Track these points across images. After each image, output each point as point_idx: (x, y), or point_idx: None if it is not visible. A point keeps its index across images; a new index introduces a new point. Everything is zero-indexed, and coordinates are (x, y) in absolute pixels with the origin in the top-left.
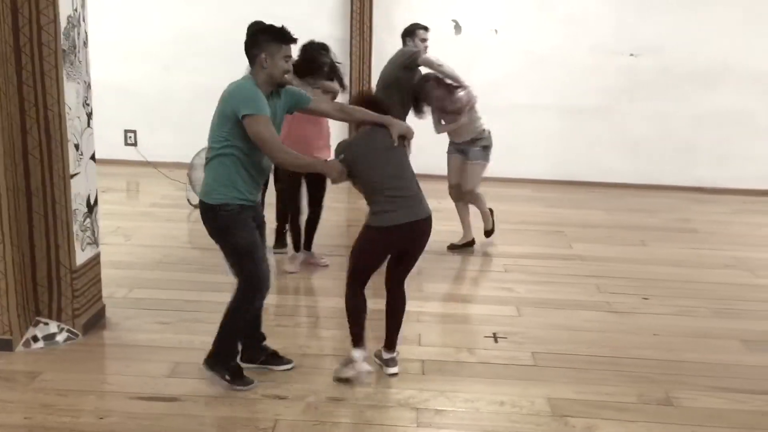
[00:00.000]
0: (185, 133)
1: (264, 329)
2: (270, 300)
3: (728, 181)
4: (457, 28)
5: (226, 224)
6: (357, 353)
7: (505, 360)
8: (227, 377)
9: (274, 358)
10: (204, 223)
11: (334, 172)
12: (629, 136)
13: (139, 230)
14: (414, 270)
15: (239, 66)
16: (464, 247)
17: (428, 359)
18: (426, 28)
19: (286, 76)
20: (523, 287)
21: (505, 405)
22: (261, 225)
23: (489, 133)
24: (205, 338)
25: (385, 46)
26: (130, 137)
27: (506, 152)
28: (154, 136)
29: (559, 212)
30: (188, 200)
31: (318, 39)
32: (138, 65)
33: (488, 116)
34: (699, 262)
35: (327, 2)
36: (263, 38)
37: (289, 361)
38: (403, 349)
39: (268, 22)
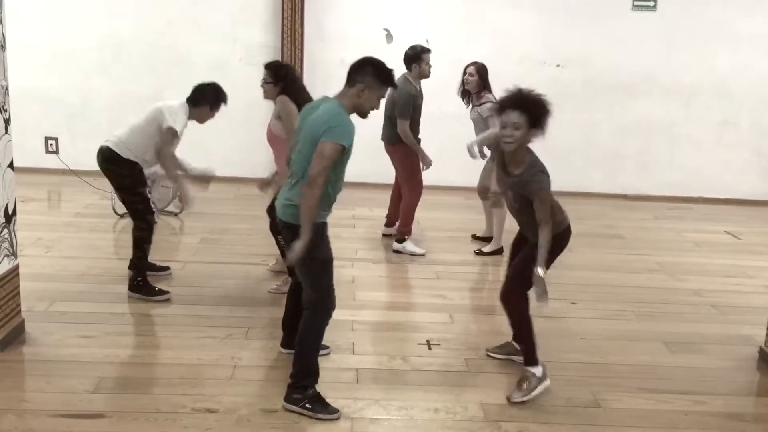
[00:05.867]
0: None
1: (194, 341)
2: (199, 311)
3: (651, 188)
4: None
5: (315, 241)
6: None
7: (438, 367)
8: (308, 406)
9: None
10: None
11: None
12: (557, 145)
13: (62, 241)
14: (348, 277)
15: (164, 73)
16: (492, 254)
17: (362, 368)
18: (429, 50)
19: None
20: (455, 294)
21: (439, 412)
22: None
23: None
24: (131, 351)
25: (317, 54)
26: (52, 144)
27: (438, 161)
28: (77, 143)
29: None
30: (114, 209)
31: (248, 47)
32: (60, 72)
33: (420, 125)
34: (624, 267)
35: (257, 10)
36: (370, 70)
37: (325, 347)
38: (336, 357)
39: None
